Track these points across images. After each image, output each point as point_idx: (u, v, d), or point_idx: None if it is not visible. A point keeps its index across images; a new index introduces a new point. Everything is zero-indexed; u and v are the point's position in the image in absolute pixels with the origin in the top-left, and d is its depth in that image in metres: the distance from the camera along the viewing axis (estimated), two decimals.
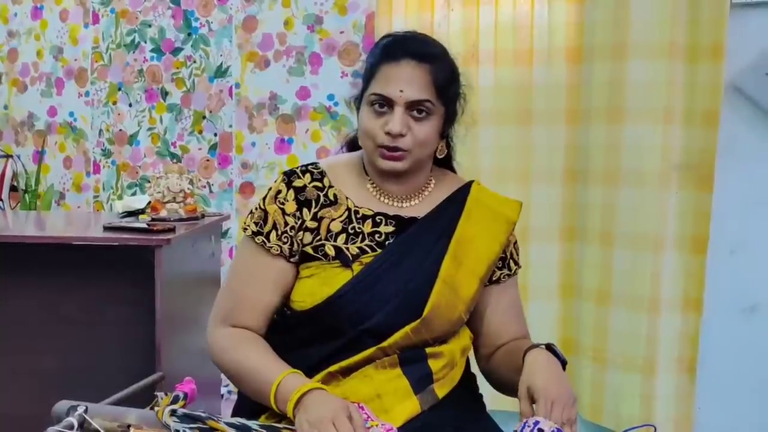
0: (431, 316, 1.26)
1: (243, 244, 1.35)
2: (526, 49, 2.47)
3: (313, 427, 1.08)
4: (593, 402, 2.46)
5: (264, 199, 1.33)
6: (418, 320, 1.25)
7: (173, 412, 1.10)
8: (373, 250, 1.30)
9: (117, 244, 1.98)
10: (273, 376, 1.19)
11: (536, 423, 1.11)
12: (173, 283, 2.01)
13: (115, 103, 3.10)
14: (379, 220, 1.32)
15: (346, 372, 1.26)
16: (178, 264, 2.07)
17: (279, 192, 1.32)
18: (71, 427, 1.06)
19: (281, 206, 1.31)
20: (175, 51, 2.99)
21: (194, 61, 2.97)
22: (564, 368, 1.23)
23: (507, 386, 1.35)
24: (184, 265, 2.15)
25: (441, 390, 1.28)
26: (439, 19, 2.55)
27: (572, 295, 2.51)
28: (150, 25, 3.02)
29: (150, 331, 1.94)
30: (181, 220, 2.18)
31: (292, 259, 1.30)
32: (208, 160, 3.00)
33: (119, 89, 3.09)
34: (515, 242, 1.43)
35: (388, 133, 1.25)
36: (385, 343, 1.25)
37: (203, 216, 2.33)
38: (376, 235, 1.31)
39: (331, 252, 1.29)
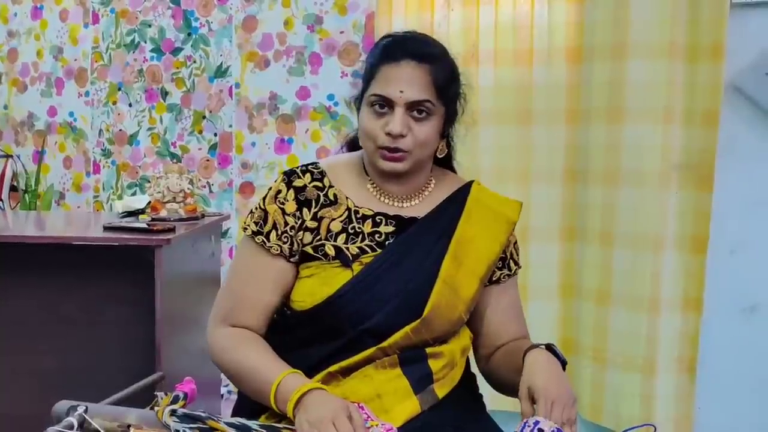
0: (431, 316, 1.26)
1: (243, 244, 1.35)
2: (526, 49, 2.47)
3: (313, 427, 1.08)
4: (593, 402, 2.46)
5: (264, 198, 1.33)
6: (418, 320, 1.25)
7: (173, 412, 1.10)
8: (373, 250, 1.30)
9: (117, 244, 1.98)
10: (273, 376, 1.19)
11: (536, 423, 1.11)
12: (173, 283, 2.01)
13: (115, 103, 3.10)
14: (379, 220, 1.32)
15: (346, 372, 1.26)
16: (178, 264, 2.07)
17: (279, 192, 1.32)
18: (71, 427, 1.06)
19: (281, 206, 1.31)
20: (175, 51, 2.99)
21: (194, 61, 2.97)
22: (564, 368, 1.23)
23: (506, 387, 1.35)
24: (184, 265, 2.15)
25: (441, 390, 1.28)
26: (439, 19, 2.55)
27: (572, 295, 2.51)
28: (150, 25, 3.02)
29: (150, 331, 1.94)
30: (181, 220, 2.18)
31: (292, 259, 1.30)
32: (208, 160, 3.00)
33: (119, 89, 3.09)
34: (515, 242, 1.43)
35: (388, 134, 1.25)
36: (385, 343, 1.25)
37: (203, 216, 2.33)
38: (376, 235, 1.31)
39: (331, 252, 1.29)
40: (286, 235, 1.30)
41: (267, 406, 1.21)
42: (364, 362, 1.25)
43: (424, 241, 1.31)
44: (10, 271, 2.07)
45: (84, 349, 2.07)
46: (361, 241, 1.30)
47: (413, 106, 1.25)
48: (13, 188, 3.29)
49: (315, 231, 1.30)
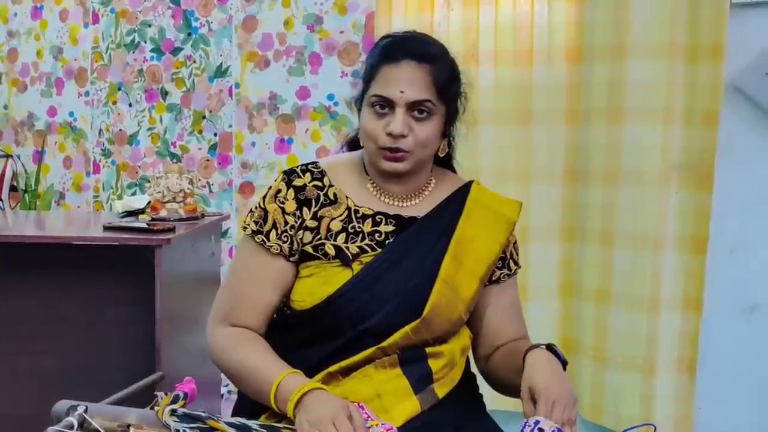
0: (431, 316, 1.26)
1: (243, 243, 1.35)
2: (526, 49, 2.47)
3: (314, 427, 1.08)
4: (593, 402, 2.46)
5: (264, 198, 1.32)
6: (418, 320, 1.25)
7: (173, 412, 1.10)
8: (373, 249, 1.30)
9: (117, 243, 1.98)
10: (273, 376, 1.19)
11: (537, 423, 1.11)
12: (173, 283, 2.01)
13: (115, 103, 3.10)
14: (379, 220, 1.32)
15: (346, 372, 1.26)
16: (178, 264, 2.07)
17: (279, 191, 1.32)
18: (71, 426, 1.06)
19: (281, 205, 1.31)
20: (175, 51, 2.99)
21: (194, 61, 2.97)
22: (565, 368, 1.23)
23: (506, 387, 1.35)
24: (184, 265, 2.15)
25: (441, 390, 1.28)
26: (439, 19, 2.55)
27: (572, 295, 2.51)
28: (150, 25, 3.02)
29: (150, 331, 1.94)
30: (181, 219, 2.18)
31: (291, 259, 1.30)
32: (207, 160, 3.00)
33: (119, 89, 3.09)
34: (515, 242, 1.43)
35: (389, 134, 1.25)
36: (385, 343, 1.25)
37: (203, 216, 2.33)
38: (376, 235, 1.31)
39: (331, 251, 1.29)
40: (285, 234, 1.29)
41: (267, 405, 1.21)
42: (364, 362, 1.25)
43: (424, 240, 1.31)
44: (10, 271, 2.07)
45: (84, 349, 2.07)
46: (361, 241, 1.30)
47: (414, 106, 1.25)
48: (13, 188, 3.29)
49: (315, 230, 1.30)
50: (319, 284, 1.28)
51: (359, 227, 1.31)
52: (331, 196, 1.32)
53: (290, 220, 1.30)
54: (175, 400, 1.13)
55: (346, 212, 1.32)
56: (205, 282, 2.34)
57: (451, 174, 1.44)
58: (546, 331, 2.46)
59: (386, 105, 1.26)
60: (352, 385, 1.24)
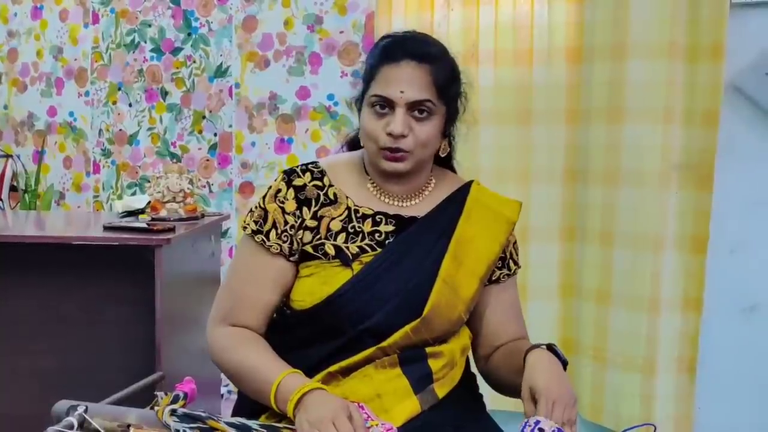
0: (431, 316, 1.26)
1: (242, 243, 1.35)
2: (526, 49, 2.47)
3: (314, 427, 1.08)
4: (593, 402, 2.46)
5: (264, 197, 1.32)
6: (418, 320, 1.25)
7: (173, 412, 1.10)
8: (373, 249, 1.30)
9: (117, 243, 1.98)
10: (273, 376, 1.19)
11: (537, 422, 1.11)
12: (173, 283, 2.01)
13: (114, 102, 3.10)
14: (379, 219, 1.32)
15: (346, 372, 1.26)
16: (178, 264, 2.07)
17: (279, 191, 1.32)
18: (71, 426, 1.06)
19: (281, 205, 1.31)
20: (175, 51, 2.99)
21: (194, 61, 2.97)
22: (565, 369, 1.23)
23: (506, 387, 1.35)
24: (184, 265, 2.15)
25: (441, 390, 1.28)
26: (439, 19, 2.55)
27: (572, 295, 2.51)
28: (150, 25, 3.02)
29: (150, 330, 1.94)
30: (181, 219, 2.18)
31: (291, 258, 1.30)
32: (207, 160, 3.00)
33: (119, 89, 3.09)
34: (515, 242, 1.43)
35: (389, 134, 1.25)
36: (384, 343, 1.25)
37: (203, 216, 2.33)
38: (376, 234, 1.31)
39: (331, 251, 1.29)
40: (285, 234, 1.29)
41: (267, 405, 1.21)
42: (363, 362, 1.25)
43: (424, 240, 1.31)
44: (10, 271, 2.07)
45: (84, 349, 2.07)
46: (361, 241, 1.30)
47: (414, 106, 1.25)
48: (13, 188, 3.29)
49: (315, 230, 1.30)
50: (319, 284, 1.28)
51: (359, 227, 1.31)
52: (331, 196, 1.32)
53: (290, 219, 1.30)
54: (175, 400, 1.13)
55: (346, 212, 1.32)
56: (205, 282, 2.34)
57: (451, 174, 1.44)
58: (546, 331, 2.46)
59: (386, 105, 1.26)
60: (352, 385, 1.24)
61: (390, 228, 1.32)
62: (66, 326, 2.08)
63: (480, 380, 1.43)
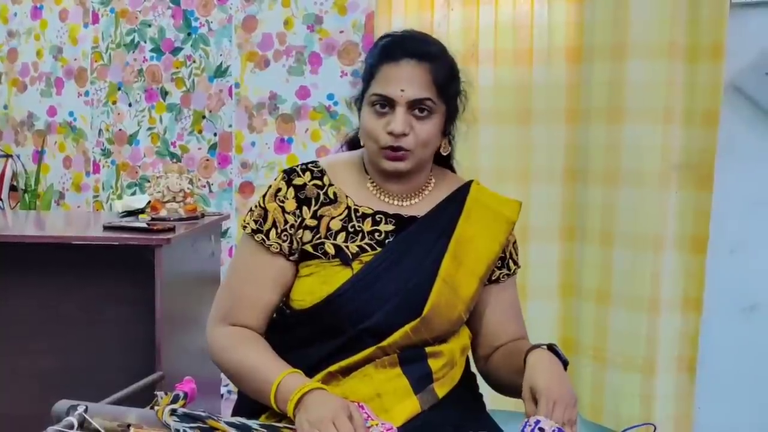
0: (431, 315, 1.26)
1: (242, 242, 1.34)
2: (526, 49, 2.47)
3: (314, 427, 1.08)
4: (593, 402, 2.46)
5: (264, 197, 1.32)
6: (418, 319, 1.25)
7: (173, 412, 1.10)
8: (373, 248, 1.29)
9: (117, 243, 1.98)
10: (273, 376, 1.19)
11: (537, 422, 1.11)
12: (173, 282, 2.01)
13: (114, 102, 3.10)
14: (378, 219, 1.32)
15: (346, 372, 1.26)
16: (178, 264, 2.07)
17: (279, 190, 1.32)
18: (71, 426, 1.06)
19: (281, 204, 1.31)
20: (175, 51, 2.99)
21: (194, 61, 2.97)
22: (566, 369, 1.23)
23: (506, 387, 1.35)
24: (184, 265, 2.15)
25: (441, 389, 1.28)
26: (438, 18, 2.55)
27: (572, 294, 2.51)
28: (150, 25, 3.02)
29: (150, 330, 1.94)
30: (181, 219, 2.18)
31: (291, 258, 1.30)
32: (207, 160, 3.00)
33: (119, 89, 3.09)
34: (514, 242, 1.43)
35: (390, 133, 1.25)
36: (384, 343, 1.25)
37: (203, 215, 2.33)
38: (376, 234, 1.31)
39: (331, 250, 1.29)
40: (285, 233, 1.29)
41: (267, 405, 1.21)
42: (363, 362, 1.25)
43: (424, 239, 1.31)
44: (10, 271, 2.07)
45: (84, 349, 2.07)
46: (361, 240, 1.30)
47: (414, 105, 1.25)
48: (13, 188, 3.29)
49: (315, 229, 1.30)
50: (318, 283, 1.28)
51: (359, 226, 1.31)
52: (331, 195, 1.32)
53: (290, 219, 1.30)
54: (175, 400, 1.13)
55: (346, 211, 1.32)
56: (205, 282, 2.34)
57: (451, 174, 1.44)
58: (546, 331, 2.46)
59: (387, 104, 1.26)
60: (352, 384, 1.24)
61: (390, 227, 1.32)
62: (66, 326, 2.08)
63: (480, 380, 1.43)
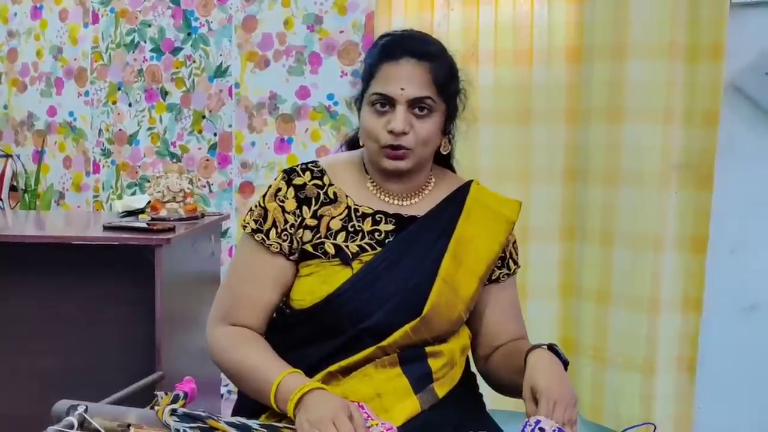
0: (431, 315, 1.26)
1: (242, 242, 1.34)
2: (526, 49, 2.47)
3: (314, 427, 1.08)
4: (593, 402, 2.46)
5: (264, 196, 1.32)
6: (418, 319, 1.25)
7: (173, 412, 1.10)
8: (373, 248, 1.30)
9: (117, 243, 1.98)
10: (273, 376, 1.19)
11: (537, 422, 1.11)
12: (173, 282, 2.01)
13: (114, 102, 3.10)
14: (378, 219, 1.32)
15: (346, 371, 1.26)
16: (178, 264, 2.07)
17: (279, 190, 1.32)
18: (71, 426, 1.06)
19: (281, 204, 1.31)
20: (175, 51, 2.99)
21: (194, 61, 2.97)
22: (566, 369, 1.23)
23: (506, 387, 1.35)
24: (184, 265, 2.15)
25: (441, 389, 1.28)
26: (438, 18, 2.55)
27: (572, 294, 2.51)
28: (150, 25, 3.02)
29: (150, 330, 1.94)
30: (181, 219, 2.18)
31: (291, 257, 1.30)
32: (207, 160, 3.00)
33: (119, 89, 3.09)
34: (514, 242, 1.43)
35: (390, 132, 1.25)
36: (384, 342, 1.25)
37: (203, 215, 2.33)
38: (376, 234, 1.31)
39: (331, 250, 1.29)
40: (285, 233, 1.29)
41: (267, 405, 1.21)
42: (363, 361, 1.25)
43: (424, 239, 1.31)
44: (10, 271, 2.07)
45: (84, 349, 2.07)
46: (361, 240, 1.30)
47: (414, 104, 1.25)
48: (13, 188, 3.29)
49: (315, 229, 1.30)
50: (318, 283, 1.28)
51: (359, 226, 1.31)
52: (331, 195, 1.32)
53: (290, 218, 1.30)
54: (175, 400, 1.13)
55: (346, 211, 1.32)
56: (205, 282, 2.34)
57: (451, 173, 1.44)
58: (546, 331, 2.46)
59: (387, 103, 1.26)
60: (352, 384, 1.24)
61: (390, 227, 1.32)
62: (66, 326, 2.08)
63: (480, 380, 1.43)
